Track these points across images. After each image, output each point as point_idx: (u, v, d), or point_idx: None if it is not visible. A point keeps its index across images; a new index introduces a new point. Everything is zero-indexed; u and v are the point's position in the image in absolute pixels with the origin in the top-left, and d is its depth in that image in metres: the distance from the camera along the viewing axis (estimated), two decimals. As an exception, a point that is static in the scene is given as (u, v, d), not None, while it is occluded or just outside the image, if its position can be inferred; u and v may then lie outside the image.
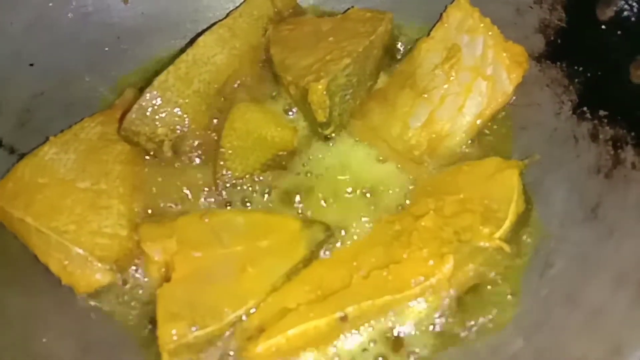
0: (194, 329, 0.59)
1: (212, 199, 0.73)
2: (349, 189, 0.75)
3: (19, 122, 0.74)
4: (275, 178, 0.75)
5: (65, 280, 0.65)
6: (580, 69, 0.72)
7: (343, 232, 0.72)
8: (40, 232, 0.64)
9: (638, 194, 0.61)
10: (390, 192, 0.75)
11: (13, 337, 0.62)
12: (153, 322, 0.63)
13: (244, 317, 0.61)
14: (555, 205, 0.69)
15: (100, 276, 0.65)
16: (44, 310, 0.65)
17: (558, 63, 0.75)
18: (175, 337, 0.58)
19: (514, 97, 0.76)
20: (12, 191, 0.66)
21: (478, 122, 0.77)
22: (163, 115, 0.74)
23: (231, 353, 0.61)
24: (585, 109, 0.71)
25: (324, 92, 0.72)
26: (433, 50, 0.80)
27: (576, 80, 0.73)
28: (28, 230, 0.65)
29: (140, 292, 0.67)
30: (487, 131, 0.78)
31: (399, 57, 0.85)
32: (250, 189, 0.74)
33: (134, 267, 0.67)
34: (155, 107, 0.73)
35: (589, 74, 0.71)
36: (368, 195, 0.75)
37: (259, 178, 0.75)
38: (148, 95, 0.72)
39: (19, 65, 0.76)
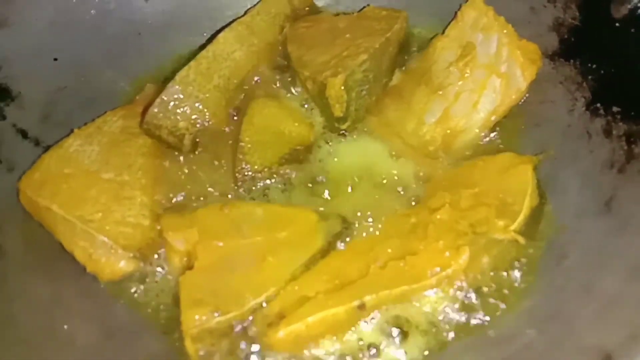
0: (216, 314, 0.60)
1: (232, 192, 0.75)
2: (365, 183, 0.76)
3: (43, 115, 0.76)
4: (293, 171, 0.76)
5: (90, 268, 0.67)
6: (594, 66, 0.73)
7: (359, 225, 0.73)
8: (66, 220, 0.66)
9: (651, 187, 0.62)
10: (406, 186, 0.76)
11: (39, 322, 0.64)
12: (176, 308, 0.64)
13: (264, 304, 0.63)
14: (569, 199, 0.70)
15: (124, 264, 0.67)
16: (69, 297, 0.67)
17: (571, 61, 0.76)
18: (198, 322, 0.60)
19: (528, 94, 0.78)
20: (38, 181, 0.68)
21: (492, 118, 0.78)
22: (184, 109, 0.75)
23: (252, 339, 0.62)
24: (598, 105, 0.72)
25: (342, 87, 0.74)
26: (448, 48, 0.82)
27: (590, 77, 0.74)
28: (54, 219, 0.67)
29: (163, 280, 0.68)
30: (501, 127, 0.79)
31: (413, 54, 0.86)
32: (268, 182, 0.76)
33: (156, 256, 0.69)
34: (177, 101, 0.75)
35: (602, 71, 0.73)
36: (383, 189, 0.76)
37: (277, 171, 0.76)
38: (170, 89, 0.74)
39: (43, 59, 0.78)
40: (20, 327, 0.63)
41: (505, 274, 0.66)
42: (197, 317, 0.60)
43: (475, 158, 0.77)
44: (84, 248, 0.66)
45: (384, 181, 0.77)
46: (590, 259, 0.64)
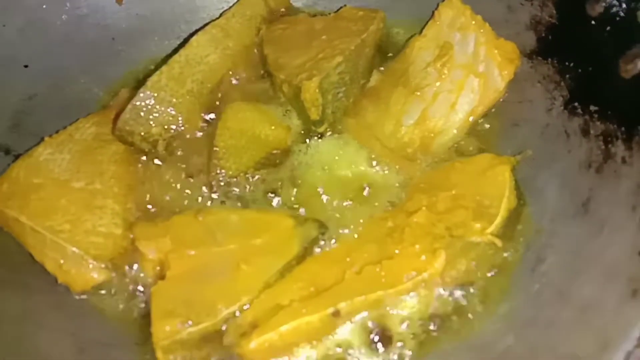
0: (187, 325, 0.59)
1: (206, 198, 0.74)
2: (343, 187, 0.75)
3: (14, 124, 0.75)
4: (269, 176, 0.75)
5: (61, 279, 0.66)
6: (571, 64, 0.73)
7: (336, 230, 0.72)
8: (35, 231, 0.65)
9: (628, 188, 0.61)
10: (383, 189, 0.75)
11: (9, 336, 0.62)
12: (147, 319, 0.63)
13: (237, 314, 0.62)
14: (547, 200, 0.69)
15: (95, 275, 0.66)
16: (40, 309, 0.65)
17: (549, 59, 0.75)
18: (169, 334, 0.59)
19: (506, 94, 0.77)
20: (7, 191, 0.67)
21: (470, 119, 0.78)
22: (157, 115, 0.74)
23: (225, 349, 0.61)
24: (576, 104, 0.71)
25: (317, 90, 0.73)
26: (425, 48, 0.81)
27: (567, 76, 0.73)
28: (23, 230, 0.66)
29: (135, 290, 0.67)
30: (479, 128, 0.79)
31: (391, 55, 0.85)
32: (244, 187, 0.74)
33: (129, 266, 0.68)
34: (149, 107, 0.74)
35: (579, 70, 0.72)
36: (361, 192, 0.75)
37: (252, 176, 0.75)
38: (142, 95, 0.73)
39: (13, 66, 0.77)
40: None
41: (482, 277, 0.65)
42: (167, 328, 0.59)
43: (453, 159, 0.76)
44: (55, 259, 0.65)
45: (362, 184, 0.76)
46: (566, 263, 0.63)
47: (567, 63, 0.73)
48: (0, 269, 0.66)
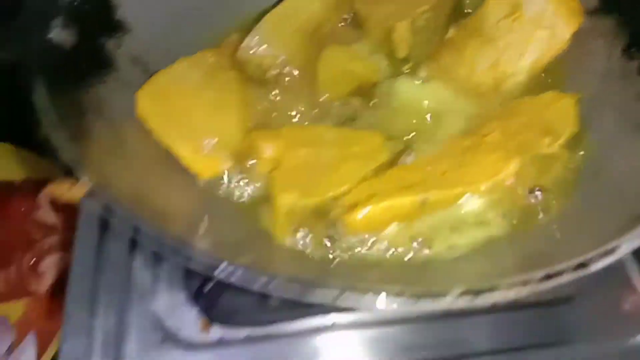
0: (301, 198, 0.72)
1: (308, 118, 0.86)
2: (423, 115, 0.87)
3: (152, 47, 0.87)
4: (361, 104, 0.87)
5: (192, 167, 0.78)
6: (630, 17, 0.83)
7: (418, 148, 0.83)
8: (174, 126, 0.78)
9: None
10: (460, 119, 0.86)
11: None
12: (260, 206, 0.76)
13: (340, 197, 0.74)
14: (605, 127, 0.80)
15: (220, 165, 0.78)
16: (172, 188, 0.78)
17: (610, 14, 0.86)
18: (287, 204, 0.71)
19: (570, 45, 0.87)
20: (149, 95, 0.80)
21: (537, 66, 0.88)
22: (269, 48, 0.88)
23: (332, 221, 0.73)
24: (633, 50, 0.82)
25: (407, 29, 0.85)
26: (498, 6, 0.92)
27: (627, 26, 0.84)
28: (164, 126, 0.78)
29: (253, 181, 0.79)
30: (545, 75, 0.89)
31: (467, 13, 0.97)
32: (339, 111, 0.87)
33: (247, 162, 0.80)
34: (263, 40, 0.87)
35: (638, 21, 0.82)
36: (439, 121, 0.86)
37: (347, 102, 0.87)
38: (258, 29, 0.88)
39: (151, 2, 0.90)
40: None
41: (549, 183, 0.76)
42: (286, 198, 0.71)
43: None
44: (189, 149, 0.78)
45: (441, 115, 0.87)
46: (624, 171, 0.73)
47: (627, 16, 0.84)
48: (144, 152, 0.79)
